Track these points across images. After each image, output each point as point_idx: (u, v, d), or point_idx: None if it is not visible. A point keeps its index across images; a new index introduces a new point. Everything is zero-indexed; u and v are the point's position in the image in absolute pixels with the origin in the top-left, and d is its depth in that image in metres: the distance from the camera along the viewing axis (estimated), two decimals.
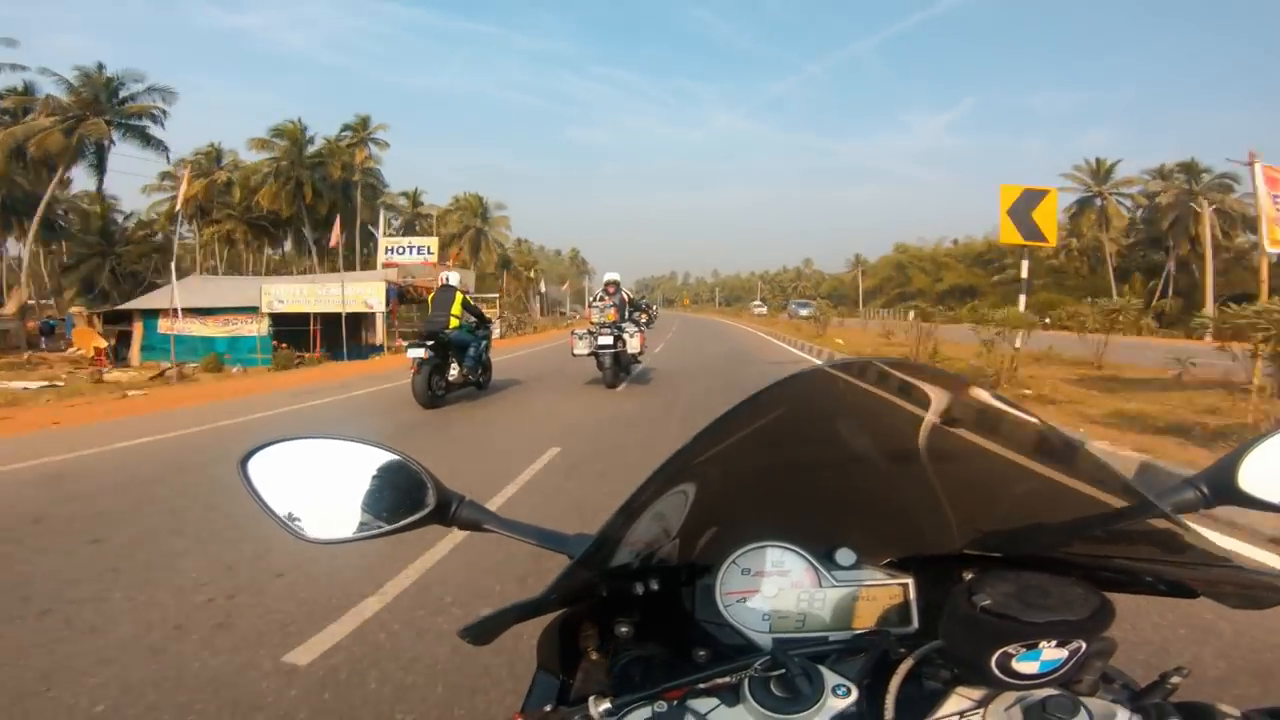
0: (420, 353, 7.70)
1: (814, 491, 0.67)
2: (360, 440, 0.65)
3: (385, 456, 0.64)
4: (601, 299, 9.70)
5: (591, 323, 9.64)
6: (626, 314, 9.62)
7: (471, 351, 8.41)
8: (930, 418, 0.55)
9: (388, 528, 0.63)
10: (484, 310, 9.33)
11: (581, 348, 9.16)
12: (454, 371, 8.18)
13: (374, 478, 0.63)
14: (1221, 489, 0.62)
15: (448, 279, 8.64)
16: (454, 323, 8.19)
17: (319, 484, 0.63)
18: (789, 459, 0.63)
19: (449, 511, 0.65)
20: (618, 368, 9.19)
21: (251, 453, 0.63)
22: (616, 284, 9.79)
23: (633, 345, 9.06)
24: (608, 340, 8.96)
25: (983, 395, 0.54)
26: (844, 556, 0.65)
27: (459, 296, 8.28)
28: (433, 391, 7.77)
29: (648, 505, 0.55)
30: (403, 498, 0.63)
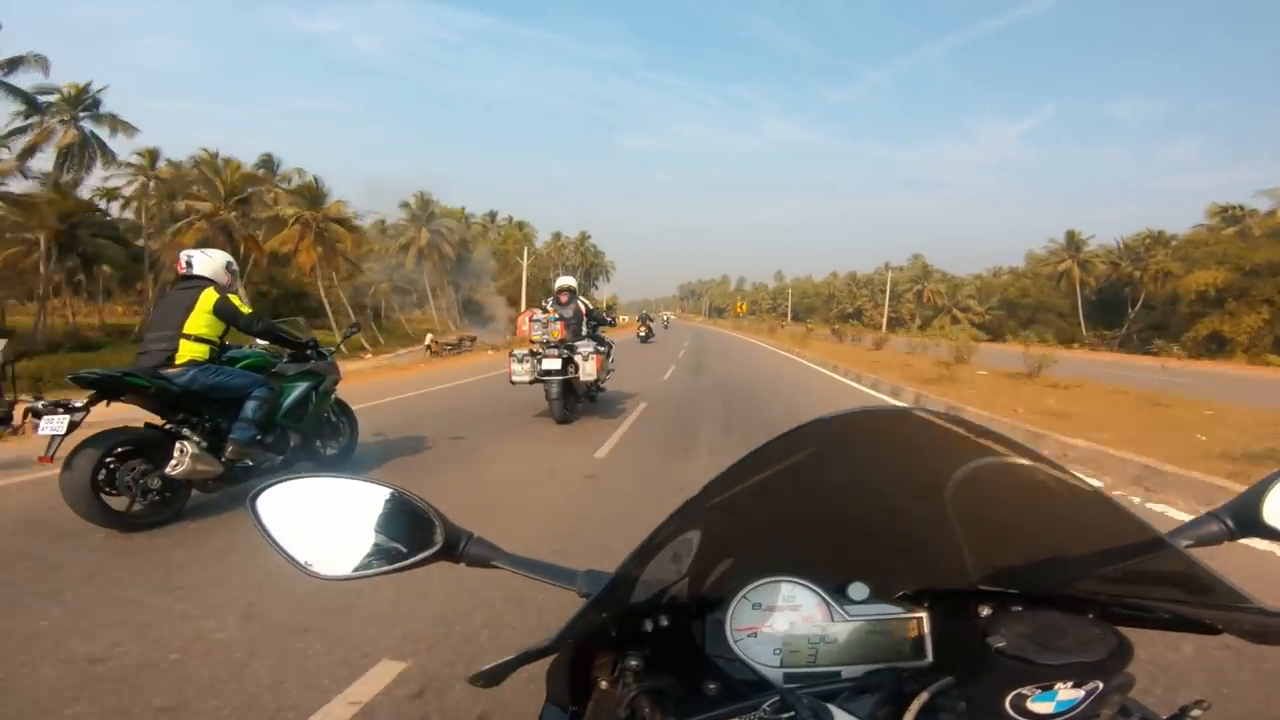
0: (56, 426, 3.28)
1: (827, 526, 0.64)
2: (367, 479, 0.65)
3: (393, 495, 0.63)
4: (545, 310, 7.21)
5: (533, 341, 7.00)
6: (584, 330, 7.37)
7: (251, 410, 3.85)
8: (953, 464, 0.53)
9: (396, 565, 0.62)
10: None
11: (521, 373, 6.79)
12: (183, 459, 3.49)
13: (382, 515, 0.63)
14: (1246, 522, 0.61)
15: (190, 263, 4.00)
16: (192, 352, 3.74)
17: (328, 521, 0.63)
18: (801, 494, 0.60)
19: (458, 548, 0.65)
20: (572, 398, 7.05)
21: (260, 490, 0.63)
22: (571, 291, 7.43)
23: (587, 370, 6.75)
24: (554, 364, 6.68)
25: (1000, 439, 0.50)
26: (857, 591, 0.65)
27: (207, 299, 3.82)
28: (122, 495, 3.37)
29: (664, 546, 0.55)
30: (411, 535, 0.63)
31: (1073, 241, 49.21)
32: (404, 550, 0.62)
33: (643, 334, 28.05)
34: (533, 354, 6.76)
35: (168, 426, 3.68)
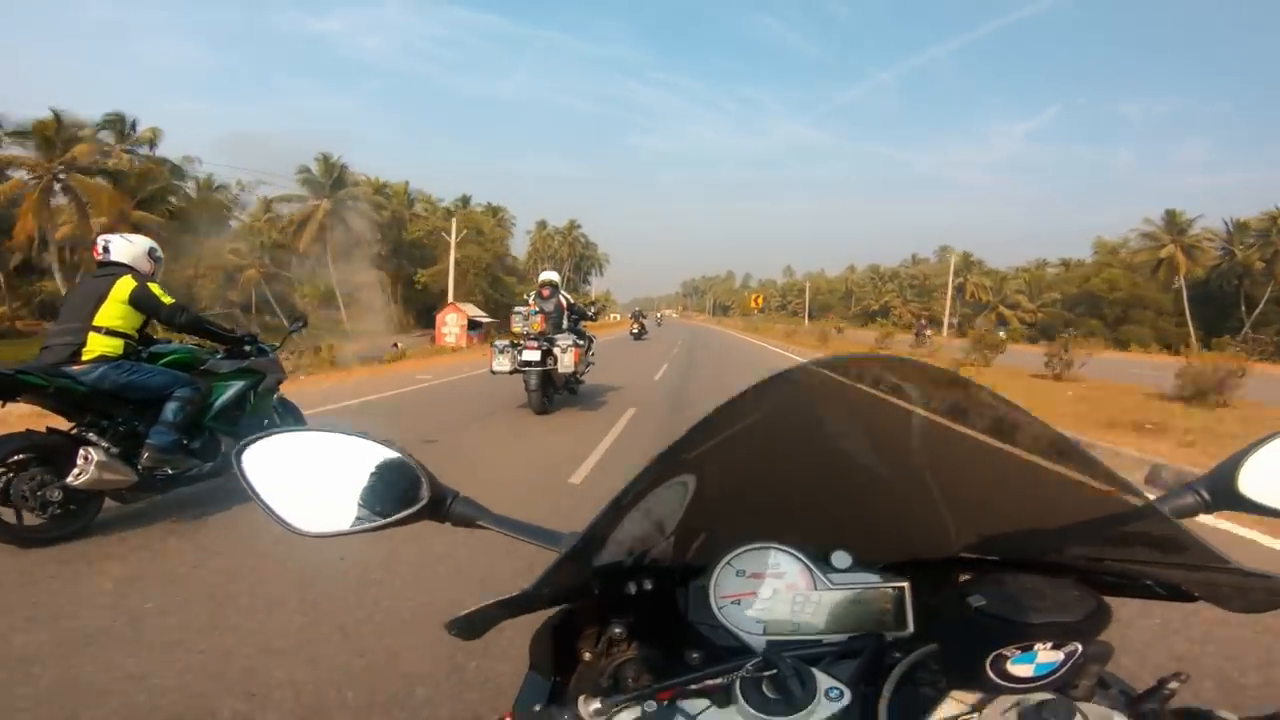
0: None
1: (811, 493, 0.65)
2: (355, 433, 0.64)
3: (380, 450, 0.63)
4: (526, 304, 7.45)
5: (513, 333, 7.21)
6: (565, 323, 7.46)
7: (171, 411, 3.35)
8: (928, 415, 0.52)
9: (381, 522, 0.62)
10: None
11: (502, 363, 6.96)
12: (87, 467, 3.04)
13: (368, 472, 0.62)
14: (1222, 494, 0.61)
15: (107, 248, 3.48)
16: (102, 347, 3.25)
17: (313, 476, 0.62)
18: (785, 460, 0.61)
19: (443, 506, 0.64)
20: (550, 389, 7.23)
21: (247, 444, 0.62)
22: (554, 286, 7.63)
23: (565, 362, 6.91)
24: (533, 356, 6.85)
25: (982, 393, 0.50)
26: (840, 559, 0.64)
27: (123, 287, 3.33)
28: (18, 508, 2.96)
29: (639, 500, 0.54)
30: (397, 492, 0.62)
31: (1174, 223, 39.08)
32: (390, 507, 0.61)
33: (635, 331, 28.03)
34: (513, 345, 6.81)
35: (74, 430, 3.20)
